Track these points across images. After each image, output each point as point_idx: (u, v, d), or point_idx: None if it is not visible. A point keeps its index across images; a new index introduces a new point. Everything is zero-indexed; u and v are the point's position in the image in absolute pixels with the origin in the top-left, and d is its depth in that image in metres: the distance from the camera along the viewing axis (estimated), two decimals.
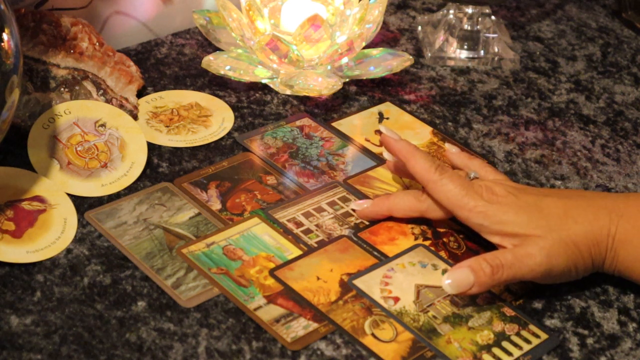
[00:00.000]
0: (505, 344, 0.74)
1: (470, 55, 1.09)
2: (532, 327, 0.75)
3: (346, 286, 0.77)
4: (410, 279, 0.78)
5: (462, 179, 0.80)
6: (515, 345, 0.74)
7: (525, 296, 0.78)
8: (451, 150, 0.88)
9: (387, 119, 0.98)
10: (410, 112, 0.99)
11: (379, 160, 0.92)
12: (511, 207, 0.77)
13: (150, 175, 0.88)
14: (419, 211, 0.82)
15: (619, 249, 0.76)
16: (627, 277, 0.78)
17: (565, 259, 0.76)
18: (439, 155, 0.93)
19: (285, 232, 0.82)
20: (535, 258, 0.75)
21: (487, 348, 0.73)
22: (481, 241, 0.83)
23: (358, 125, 0.97)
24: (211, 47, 1.07)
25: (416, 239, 0.83)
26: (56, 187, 0.84)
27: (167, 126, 0.94)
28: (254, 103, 0.99)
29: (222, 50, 1.03)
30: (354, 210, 0.85)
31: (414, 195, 0.83)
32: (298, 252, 0.80)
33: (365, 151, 0.93)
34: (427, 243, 0.82)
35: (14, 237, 0.79)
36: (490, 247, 0.79)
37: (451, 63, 1.09)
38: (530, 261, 0.75)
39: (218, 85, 1.01)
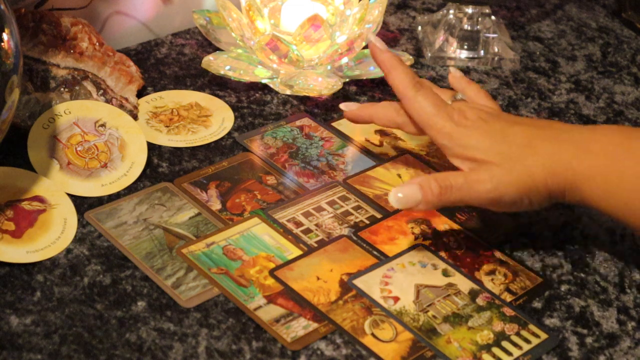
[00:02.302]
0: (505, 343, 0.74)
1: (470, 55, 1.09)
2: (531, 327, 0.75)
3: (346, 286, 0.77)
4: (410, 279, 0.79)
5: (438, 98, 0.81)
6: (515, 345, 0.74)
7: (525, 296, 0.78)
8: (455, 74, 0.89)
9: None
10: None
11: (379, 160, 0.92)
12: (477, 131, 0.78)
13: (150, 175, 0.88)
14: (396, 123, 0.84)
15: (582, 185, 0.76)
16: (595, 209, 0.78)
17: (516, 189, 0.76)
18: (439, 155, 0.93)
19: (285, 232, 0.82)
20: (485, 184, 0.76)
21: (487, 348, 0.73)
22: (481, 241, 0.83)
23: (358, 125, 0.97)
24: (211, 47, 1.07)
25: (416, 238, 0.83)
26: (56, 187, 0.84)
27: (167, 126, 0.94)
28: (254, 103, 0.99)
29: (222, 50, 1.03)
30: (342, 110, 0.88)
31: (394, 108, 0.84)
32: (298, 252, 0.80)
33: (365, 151, 0.93)
34: (427, 243, 0.82)
35: (14, 237, 0.79)
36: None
37: (451, 63, 1.09)
38: (479, 187, 0.76)
39: (218, 85, 1.01)
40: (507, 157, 0.76)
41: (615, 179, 0.75)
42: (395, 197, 0.76)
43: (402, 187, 0.77)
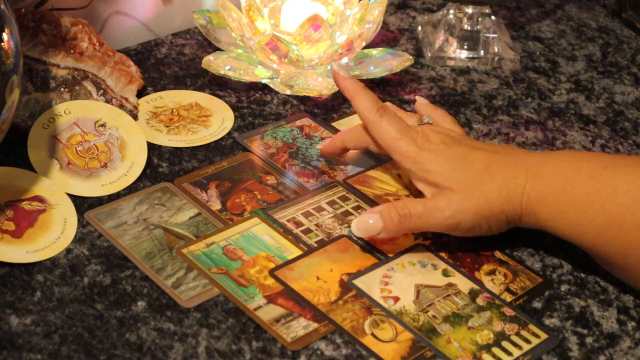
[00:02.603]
0: (505, 343, 0.74)
1: (470, 55, 1.09)
2: (531, 327, 0.75)
3: (346, 286, 0.77)
4: (410, 279, 0.79)
5: (402, 122, 0.83)
6: (515, 345, 0.74)
7: (525, 296, 0.78)
8: (420, 101, 0.91)
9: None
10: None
11: (379, 160, 0.92)
12: (439, 156, 0.80)
13: (150, 175, 0.88)
14: (365, 142, 0.86)
15: (536, 208, 0.78)
16: (548, 231, 0.79)
17: (474, 215, 0.78)
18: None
19: (285, 232, 0.82)
20: (444, 212, 0.78)
21: (487, 348, 0.73)
22: (481, 242, 0.83)
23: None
24: (211, 47, 1.07)
25: (416, 238, 0.83)
26: (56, 187, 0.84)
27: (167, 126, 0.94)
28: (254, 103, 0.99)
29: (222, 50, 1.03)
30: (320, 150, 0.91)
31: (360, 129, 0.86)
32: (298, 252, 0.80)
33: (365, 151, 0.93)
34: (427, 243, 0.82)
35: (14, 237, 0.79)
36: (485, 239, 0.79)
37: (451, 63, 1.09)
38: (438, 214, 0.78)
39: (218, 85, 1.01)
40: (466, 183, 0.79)
41: (565, 200, 0.77)
42: (357, 227, 0.80)
43: (363, 217, 0.79)
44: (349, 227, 0.84)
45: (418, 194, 0.88)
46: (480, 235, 0.80)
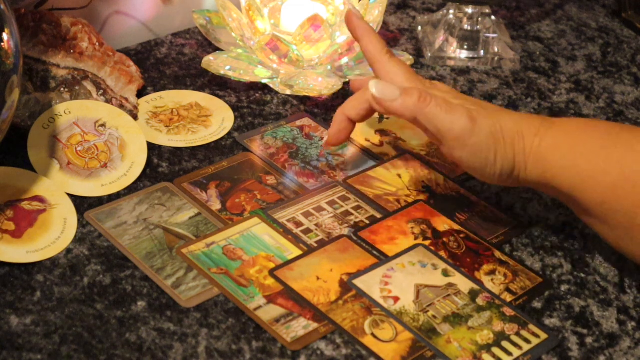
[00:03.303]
0: (505, 343, 0.74)
1: (470, 55, 1.09)
2: (531, 327, 0.75)
3: (346, 286, 0.77)
4: (410, 279, 0.79)
5: (409, 67, 0.83)
6: (515, 345, 0.74)
7: (525, 296, 0.78)
8: None
9: (387, 118, 0.98)
10: None
11: (379, 160, 0.92)
12: (451, 94, 0.80)
13: (150, 175, 0.88)
14: (367, 103, 0.82)
15: (547, 154, 0.76)
16: (552, 184, 0.77)
17: (488, 133, 0.76)
18: (439, 155, 0.93)
19: (285, 232, 0.82)
20: (462, 116, 0.76)
21: (487, 348, 0.73)
22: (481, 241, 0.83)
23: (358, 125, 0.97)
24: (211, 47, 1.07)
25: (416, 238, 0.83)
26: (56, 187, 0.84)
27: (167, 126, 0.94)
28: (254, 103, 0.99)
29: (222, 50, 1.03)
30: (325, 142, 0.88)
31: (362, 92, 0.83)
32: (298, 252, 0.80)
33: (365, 151, 0.93)
34: (427, 243, 0.82)
35: (14, 237, 0.79)
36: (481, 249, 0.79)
37: (451, 63, 1.09)
38: (455, 116, 0.76)
39: (218, 85, 1.01)
40: (482, 108, 0.78)
41: (581, 149, 0.75)
42: (376, 84, 0.78)
43: (384, 82, 0.79)
44: (349, 227, 0.84)
45: (419, 194, 0.88)
46: (482, 178, 0.79)
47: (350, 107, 0.84)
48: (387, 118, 0.98)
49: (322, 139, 0.94)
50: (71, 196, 0.84)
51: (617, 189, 0.74)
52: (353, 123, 0.85)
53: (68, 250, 0.79)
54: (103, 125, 0.90)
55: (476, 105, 0.79)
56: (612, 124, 0.78)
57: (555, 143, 0.76)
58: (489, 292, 0.78)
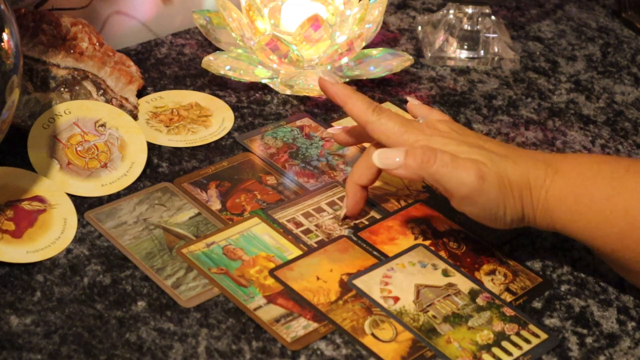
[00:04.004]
0: (505, 343, 0.74)
1: (470, 55, 1.09)
2: (531, 327, 0.75)
3: (346, 286, 0.77)
4: (410, 279, 0.79)
5: (402, 117, 0.79)
6: (515, 345, 0.74)
7: (525, 296, 0.78)
8: (413, 101, 0.87)
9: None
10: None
11: None
12: (453, 140, 0.77)
13: (150, 175, 0.88)
14: (372, 164, 0.80)
15: (554, 206, 0.75)
16: (562, 233, 0.77)
17: (497, 190, 0.74)
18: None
19: (285, 232, 0.82)
20: (470, 173, 0.74)
21: (487, 348, 0.73)
22: (481, 242, 0.83)
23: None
24: (211, 47, 1.07)
25: (416, 238, 0.83)
26: (56, 187, 0.84)
27: (167, 126, 0.94)
28: (254, 103, 0.99)
29: (222, 50, 1.03)
30: (343, 215, 0.84)
31: (366, 157, 0.82)
32: (298, 252, 0.80)
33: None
34: (427, 243, 0.82)
35: (14, 237, 0.79)
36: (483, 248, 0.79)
37: (451, 63, 1.09)
38: (463, 173, 0.74)
39: (218, 85, 1.01)
40: (489, 159, 0.75)
41: (586, 201, 0.74)
42: (378, 155, 0.76)
43: (387, 149, 0.77)
44: (349, 227, 0.84)
45: (419, 194, 0.88)
46: (492, 227, 0.77)
47: (359, 176, 0.82)
48: None
49: (322, 139, 0.94)
50: (71, 196, 0.84)
51: (625, 238, 0.73)
52: (366, 188, 0.83)
53: (68, 250, 0.79)
54: (103, 125, 0.90)
55: (481, 153, 0.76)
56: (617, 165, 0.76)
57: (561, 195, 0.75)
58: (489, 292, 0.78)
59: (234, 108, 0.98)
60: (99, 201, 0.85)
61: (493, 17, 1.10)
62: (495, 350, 0.73)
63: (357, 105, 0.80)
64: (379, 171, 0.81)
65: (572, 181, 0.75)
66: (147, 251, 0.79)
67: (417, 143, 0.77)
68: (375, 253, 0.81)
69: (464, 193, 0.75)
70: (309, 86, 0.98)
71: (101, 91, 0.93)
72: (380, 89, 1.03)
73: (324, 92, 0.84)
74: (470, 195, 0.75)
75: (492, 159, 0.75)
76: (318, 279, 0.78)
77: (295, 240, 0.82)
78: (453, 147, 0.76)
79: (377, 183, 0.89)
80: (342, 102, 0.82)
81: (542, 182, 0.75)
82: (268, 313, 0.75)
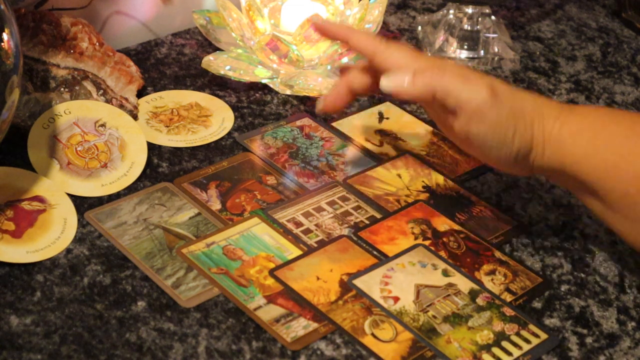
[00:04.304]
0: (505, 343, 0.74)
1: (470, 55, 1.09)
2: (531, 327, 0.75)
3: (346, 286, 0.77)
4: (410, 279, 0.79)
5: (412, 48, 0.78)
6: (515, 345, 0.74)
7: (525, 296, 0.78)
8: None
9: (387, 119, 0.98)
10: (410, 112, 0.99)
11: (379, 160, 0.92)
12: (463, 71, 0.75)
13: (150, 175, 0.88)
14: (373, 78, 0.78)
15: (567, 141, 0.73)
16: (570, 172, 0.74)
17: (509, 109, 0.72)
18: (439, 155, 0.93)
19: (285, 232, 0.82)
20: (482, 88, 0.72)
21: (487, 348, 0.73)
22: (481, 241, 0.83)
23: (358, 125, 0.97)
24: (211, 47, 1.07)
25: (416, 238, 0.83)
26: (56, 187, 0.84)
27: (167, 126, 0.94)
28: (254, 103, 0.99)
29: (222, 50, 1.03)
30: (321, 105, 0.82)
31: (368, 68, 0.79)
32: (298, 252, 0.80)
33: (365, 151, 0.93)
34: (427, 243, 0.82)
35: (14, 237, 0.79)
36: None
37: None
38: (475, 87, 0.72)
39: (218, 85, 1.01)
40: (501, 87, 0.74)
41: (605, 137, 0.72)
42: (386, 75, 0.74)
43: (393, 71, 0.75)
44: (349, 227, 0.84)
45: (419, 194, 0.88)
46: (494, 161, 0.75)
47: (354, 76, 0.79)
48: (387, 118, 0.98)
49: (322, 139, 0.94)
50: (71, 196, 0.84)
51: None
52: (353, 95, 0.81)
53: (68, 250, 0.79)
54: (103, 125, 0.90)
55: (495, 79, 0.75)
56: (635, 114, 0.74)
57: (578, 129, 0.73)
58: (489, 292, 0.78)
59: (234, 108, 0.98)
60: (99, 201, 0.85)
61: (493, 17, 1.10)
62: (495, 350, 0.73)
63: (361, 38, 0.79)
64: (375, 83, 0.78)
65: (591, 118, 0.73)
66: (147, 251, 0.79)
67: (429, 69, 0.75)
68: (375, 253, 0.81)
69: (475, 106, 0.72)
70: (309, 86, 0.98)
71: (101, 91, 0.93)
72: None
73: (322, 34, 0.82)
74: (481, 108, 0.72)
75: (503, 88, 0.74)
76: (318, 279, 0.78)
77: (295, 240, 0.82)
78: (465, 71, 0.75)
79: (377, 183, 0.89)
80: (345, 37, 0.80)
81: (557, 115, 0.73)
82: (268, 313, 0.75)
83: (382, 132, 0.96)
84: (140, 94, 0.98)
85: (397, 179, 0.90)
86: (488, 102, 0.72)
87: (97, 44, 0.96)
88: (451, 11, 1.10)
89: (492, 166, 0.78)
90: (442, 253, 0.82)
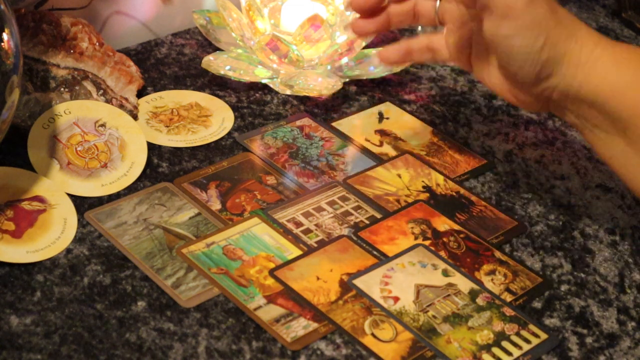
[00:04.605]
0: (505, 343, 0.74)
1: None
2: (531, 327, 0.75)
3: (346, 286, 0.77)
4: (410, 279, 0.79)
5: None
6: (515, 345, 0.74)
7: (525, 296, 0.78)
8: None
9: (387, 118, 0.98)
10: (410, 112, 0.99)
11: (379, 160, 0.92)
12: None
13: (150, 175, 0.88)
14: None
15: (610, 69, 0.70)
16: (602, 105, 0.71)
17: (545, 13, 0.69)
18: (439, 155, 0.93)
19: (285, 232, 0.82)
20: None
21: (487, 348, 0.73)
22: (481, 242, 0.83)
23: (358, 125, 0.97)
24: (211, 47, 1.07)
25: (416, 238, 0.83)
26: (56, 187, 0.84)
27: (167, 126, 0.94)
28: (254, 103, 0.99)
29: (222, 50, 1.03)
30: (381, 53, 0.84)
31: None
32: (298, 252, 0.80)
33: (365, 151, 0.93)
34: (427, 243, 0.82)
35: (14, 237, 0.79)
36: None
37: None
38: None
39: (218, 85, 1.01)
40: None
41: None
42: None
43: None
44: (349, 227, 0.84)
45: (419, 194, 0.88)
46: (515, 76, 0.73)
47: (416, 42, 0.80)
48: (387, 118, 0.98)
49: (322, 139, 0.94)
50: (71, 196, 0.84)
51: None
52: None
53: (68, 250, 0.79)
54: (103, 125, 0.90)
55: None
56: None
57: (624, 58, 0.69)
58: (489, 292, 0.78)
59: (234, 108, 0.98)
60: (99, 201, 0.85)
61: None
62: (495, 350, 0.73)
63: None
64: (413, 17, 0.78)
65: (634, 55, 0.70)
66: (147, 251, 0.79)
67: None
68: (375, 253, 0.81)
69: (509, 2, 0.69)
70: (309, 86, 0.98)
71: (101, 91, 0.93)
72: (380, 89, 1.03)
73: (359, 9, 0.81)
74: (515, 5, 0.69)
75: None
76: (318, 279, 0.78)
77: (295, 240, 0.82)
78: None
79: (377, 183, 0.89)
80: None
81: (596, 40, 0.70)
82: (268, 313, 0.75)
83: (382, 132, 0.96)
84: (140, 94, 0.98)
85: (397, 179, 0.90)
86: (522, 4, 0.69)
87: (97, 44, 0.96)
88: None
89: (507, 93, 0.74)
90: (442, 253, 0.82)
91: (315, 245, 0.81)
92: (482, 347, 0.73)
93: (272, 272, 0.78)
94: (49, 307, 0.74)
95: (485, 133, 0.98)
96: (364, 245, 0.82)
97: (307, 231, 0.83)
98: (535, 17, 0.69)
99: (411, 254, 0.81)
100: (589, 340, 0.75)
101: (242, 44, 1.01)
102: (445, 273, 0.79)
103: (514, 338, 0.74)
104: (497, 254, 0.82)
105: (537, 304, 0.78)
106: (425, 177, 0.90)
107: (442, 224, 0.85)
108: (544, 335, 0.75)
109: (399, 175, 0.90)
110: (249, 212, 0.84)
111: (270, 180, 0.88)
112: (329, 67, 1.01)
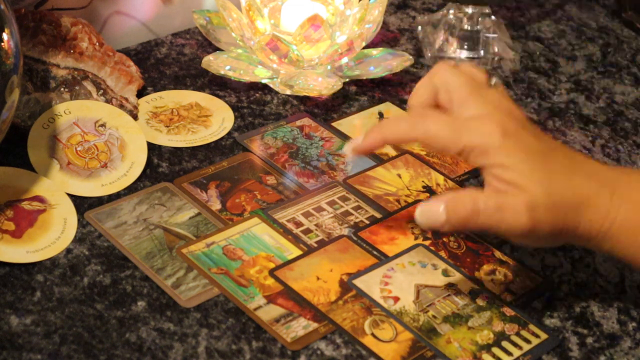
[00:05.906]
0: (505, 343, 0.74)
1: (470, 55, 1.09)
2: (532, 327, 0.75)
3: (346, 286, 0.77)
4: (410, 279, 0.79)
5: (446, 117, 0.73)
6: (515, 345, 0.74)
7: (525, 296, 0.78)
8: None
9: (387, 118, 0.98)
10: None
11: (379, 160, 0.92)
12: (517, 146, 0.70)
13: (150, 175, 0.88)
14: (414, 137, 0.73)
15: (621, 236, 0.70)
16: (624, 261, 0.73)
17: (552, 225, 0.70)
18: (439, 155, 0.93)
19: (285, 232, 0.82)
20: (520, 218, 0.69)
21: (487, 348, 0.73)
22: (481, 241, 0.83)
23: (358, 125, 0.97)
24: (211, 47, 1.07)
25: (416, 238, 0.83)
26: (56, 187, 0.84)
27: (167, 126, 0.94)
28: (254, 103, 0.99)
29: (222, 50, 1.03)
30: (352, 149, 0.77)
31: (412, 124, 0.73)
32: (298, 252, 0.80)
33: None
34: (427, 243, 0.82)
35: (14, 237, 0.79)
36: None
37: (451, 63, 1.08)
38: (511, 219, 0.69)
39: (218, 85, 1.01)
40: (549, 184, 0.70)
41: None
42: (421, 214, 0.72)
43: (429, 205, 0.71)
44: (349, 227, 0.84)
45: (419, 194, 0.88)
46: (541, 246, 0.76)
47: (392, 134, 0.74)
48: (387, 118, 0.98)
49: (322, 139, 0.94)
50: (71, 196, 0.84)
51: None
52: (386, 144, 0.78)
53: (68, 250, 0.79)
54: (103, 125, 0.90)
55: (545, 175, 0.70)
56: None
57: (633, 225, 0.70)
58: (489, 292, 0.78)
59: (234, 108, 0.98)
60: (99, 201, 0.85)
61: (493, 17, 1.10)
62: (495, 350, 0.73)
63: (393, 129, 0.74)
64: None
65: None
66: (147, 251, 0.79)
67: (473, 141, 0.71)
68: (375, 253, 0.81)
69: (517, 234, 0.71)
70: (309, 86, 0.98)
71: (101, 91, 0.93)
72: (380, 89, 1.03)
73: (366, 150, 0.77)
74: (523, 235, 0.70)
75: (552, 182, 0.70)
76: (318, 279, 0.78)
77: (295, 240, 0.82)
78: (515, 161, 0.70)
79: (377, 183, 0.89)
80: (382, 142, 0.75)
81: (605, 210, 0.70)
82: (268, 313, 0.75)
83: None
84: (140, 94, 0.98)
85: (397, 179, 0.90)
86: (528, 231, 0.70)
87: (97, 44, 0.96)
88: (451, 11, 1.10)
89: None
90: (442, 253, 0.82)
91: (315, 245, 0.81)
92: (482, 347, 0.73)
93: (272, 272, 0.78)
94: (49, 307, 0.74)
95: None
96: (364, 245, 0.82)
97: (307, 231, 0.83)
98: (544, 232, 0.70)
99: (411, 254, 0.81)
100: (589, 340, 0.75)
101: (242, 44, 1.01)
102: (445, 273, 0.79)
103: (514, 338, 0.74)
104: (497, 254, 0.82)
105: (537, 304, 0.78)
106: (425, 177, 0.90)
107: None
108: (544, 335, 0.75)
109: (399, 175, 0.90)
110: (249, 212, 0.84)
111: (270, 180, 0.88)
112: (329, 67, 1.01)
